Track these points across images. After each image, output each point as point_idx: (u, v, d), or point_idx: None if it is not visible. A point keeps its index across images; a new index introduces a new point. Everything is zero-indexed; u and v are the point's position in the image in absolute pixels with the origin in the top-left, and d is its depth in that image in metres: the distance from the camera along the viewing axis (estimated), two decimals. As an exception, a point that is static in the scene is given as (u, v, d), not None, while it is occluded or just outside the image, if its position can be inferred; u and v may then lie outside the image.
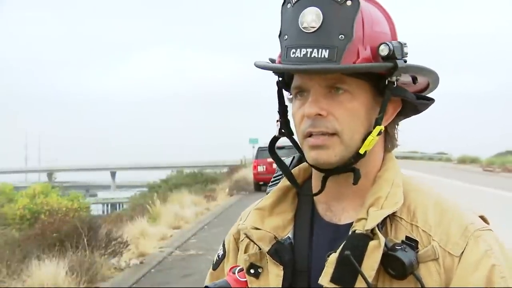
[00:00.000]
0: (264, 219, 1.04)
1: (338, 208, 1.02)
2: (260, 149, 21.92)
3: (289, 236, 1.03)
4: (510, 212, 10.84)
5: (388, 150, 1.04)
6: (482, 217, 0.99)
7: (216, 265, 1.16)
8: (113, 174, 65.14)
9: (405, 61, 0.96)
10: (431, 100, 1.05)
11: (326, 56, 0.91)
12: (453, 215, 0.95)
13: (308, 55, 0.92)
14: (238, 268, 1.05)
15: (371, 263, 0.90)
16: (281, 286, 0.98)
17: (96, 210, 36.77)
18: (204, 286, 1.04)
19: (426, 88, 1.08)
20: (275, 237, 1.02)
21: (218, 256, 1.17)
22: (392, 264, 0.90)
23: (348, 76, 0.94)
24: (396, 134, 1.05)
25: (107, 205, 48.79)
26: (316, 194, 1.02)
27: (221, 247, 1.17)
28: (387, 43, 0.94)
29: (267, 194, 1.10)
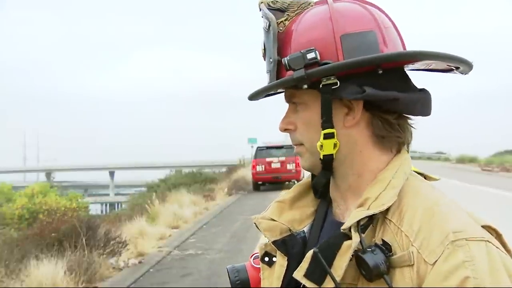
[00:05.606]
0: (283, 212, 1.09)
1: (344, 207, 1.04)
2: (259, 149, 21.76)
3: (303, 230, 1.08)
4: (509, 212, 10.86)
5: (390, 150, 1.01)
6: (488, 227, 0.91)
7: None
8: (111, 174, 65.05)
9: (319, 65, 0.93)
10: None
11: (268, 81, 1.01)
12: (439, 221, 0.88)
13: (268, 81, 1.02)
14: (256, 255, 1.12)
15: (341, 262, 0.90)
16: (282, 277, 1.03)
17: (95, 209, 36.77)
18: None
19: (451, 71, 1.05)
20: (290, 230, 1.07)
21: None
22: (362, 266, 0.90)
23: (297, 90, 0.99)
24: (391, 133, 1.00)
25: (106, 205, 48.80)
26: (319, 197, 1.10)
27: None
28: (284, 59, 0.97)
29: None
